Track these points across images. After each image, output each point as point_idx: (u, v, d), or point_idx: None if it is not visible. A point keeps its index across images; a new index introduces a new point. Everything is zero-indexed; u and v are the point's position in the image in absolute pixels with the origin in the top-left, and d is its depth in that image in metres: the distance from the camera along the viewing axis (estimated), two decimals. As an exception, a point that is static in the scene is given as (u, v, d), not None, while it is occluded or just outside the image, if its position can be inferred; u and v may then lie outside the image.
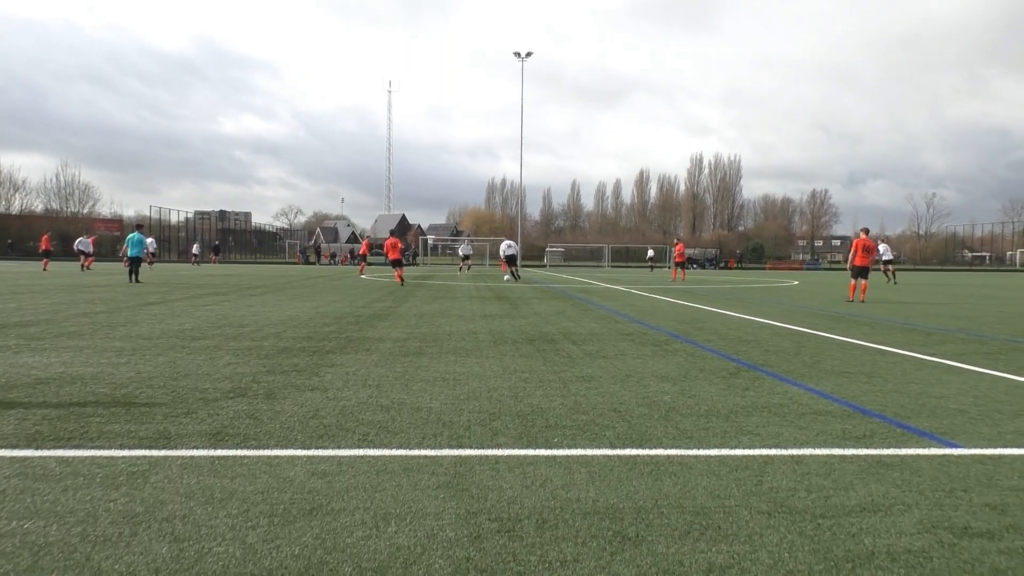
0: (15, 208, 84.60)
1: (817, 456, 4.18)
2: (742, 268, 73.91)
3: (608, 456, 4.13)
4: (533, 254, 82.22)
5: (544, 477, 3.72)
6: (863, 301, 18.13)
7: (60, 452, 4.03)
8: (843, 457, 4.16)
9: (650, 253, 63.11)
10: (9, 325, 10.13)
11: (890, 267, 31.03)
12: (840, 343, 9.62)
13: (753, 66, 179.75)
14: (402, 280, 23.85)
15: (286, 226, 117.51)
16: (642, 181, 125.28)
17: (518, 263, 32.69)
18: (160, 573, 2.56)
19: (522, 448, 4.25)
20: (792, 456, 4.18)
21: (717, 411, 5.33)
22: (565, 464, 3.95)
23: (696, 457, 4.13)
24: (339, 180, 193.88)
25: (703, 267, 74.13)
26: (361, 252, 39.81)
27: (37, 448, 4.10)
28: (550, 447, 4.29)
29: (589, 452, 4.20)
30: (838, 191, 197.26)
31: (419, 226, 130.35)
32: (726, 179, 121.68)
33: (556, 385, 6.27)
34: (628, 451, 4.23)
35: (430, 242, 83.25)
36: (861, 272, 18.57)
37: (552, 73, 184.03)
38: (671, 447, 4.34)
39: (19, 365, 6.82)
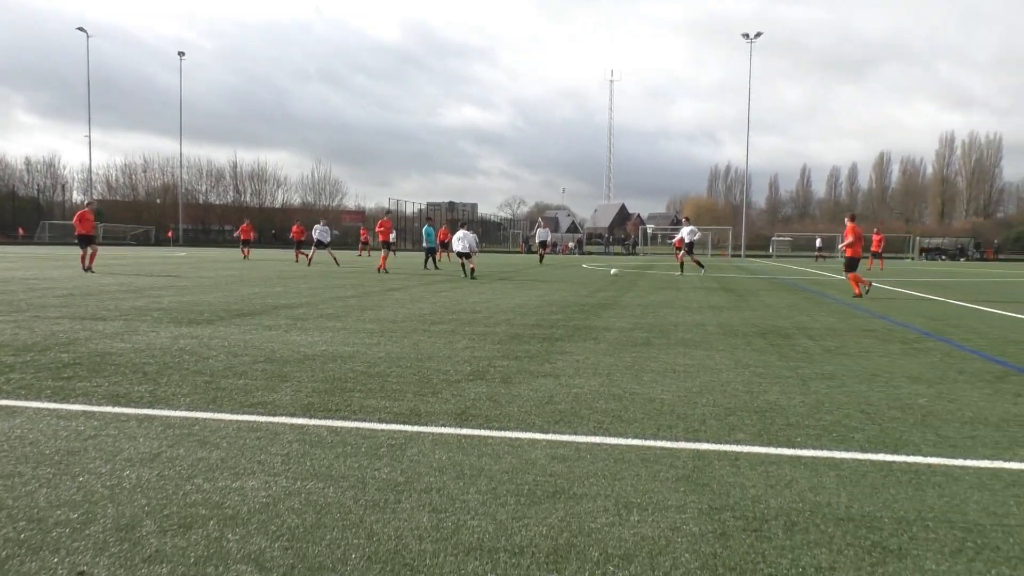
0: (278, 202, 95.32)
1: (1117, 477, 3.64)
2: (1001, 260, 65.78)
3: (859, 460, 3.87)
4: (758, 244, 78.67)
5: (789, 478, 3.57)
6: None
7: (329, 422, 4.49)
8: None
9: (818, 243, 59.91)
10: (280, 307, 11.43)
11: None
12: None
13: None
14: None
15: (509, 216, 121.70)
16: (882, 164, 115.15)
17: (546, 249, 38.52)
18: (424, 540, 2.78)
19: (763, 446, 4.11)
20: (1084, 475, 3.67)
21: (984, 419, 4.81)
22: (811, 466, 3.77)
23: (963, 468, 3.76)
24: (558, 170, 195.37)
25: (954, 258, 66.84)
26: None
27: (311, 417, 4.59)
28: (793, 446, 4.10)
29: (837, 455, 3.96)
30: None
31: (638, 215, 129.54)
32: (982, 160, 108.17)
33: (794, 382, 5.98)
34: (882, 456, 3.95)
35: (649, 231, 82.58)
36: None
37: (785, 40, 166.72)
38: (932, 455, 3.98)
39: (290, 343, 7.67)
